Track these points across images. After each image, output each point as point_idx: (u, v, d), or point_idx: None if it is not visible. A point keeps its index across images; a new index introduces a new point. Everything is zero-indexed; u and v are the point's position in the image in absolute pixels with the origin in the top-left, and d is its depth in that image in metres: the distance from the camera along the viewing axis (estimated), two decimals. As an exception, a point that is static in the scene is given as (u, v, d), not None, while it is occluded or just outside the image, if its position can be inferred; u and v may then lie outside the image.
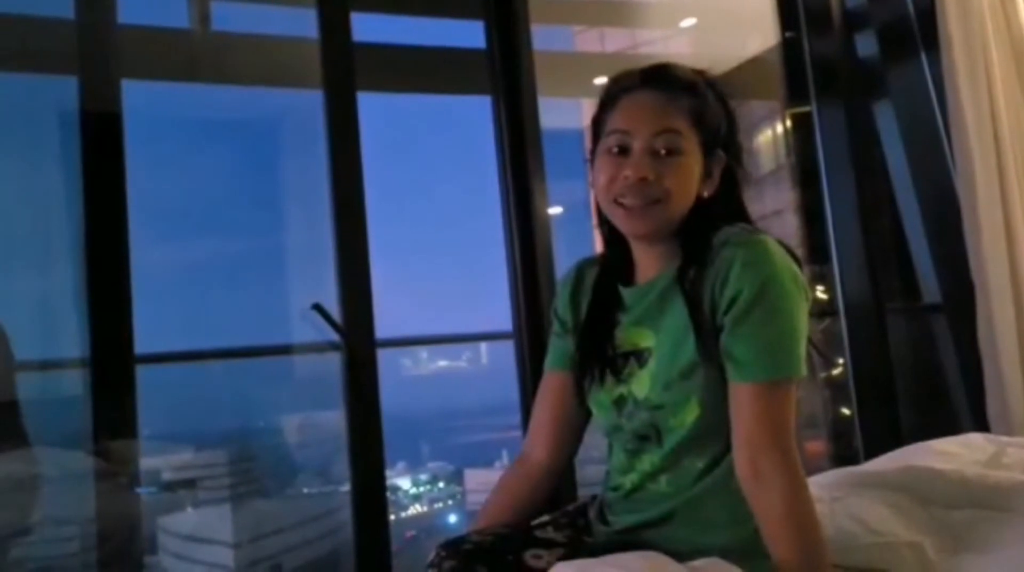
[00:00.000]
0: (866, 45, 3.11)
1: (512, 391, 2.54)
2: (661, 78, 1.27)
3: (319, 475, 3.07)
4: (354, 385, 2.30)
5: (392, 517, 2.43)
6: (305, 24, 2.42)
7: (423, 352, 3.97)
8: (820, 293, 3.09)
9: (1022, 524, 1.46)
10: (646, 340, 1.28)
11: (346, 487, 2.34)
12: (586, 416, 1.39)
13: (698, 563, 1.17)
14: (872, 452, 2.04)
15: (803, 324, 1.21)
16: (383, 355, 2.33)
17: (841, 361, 3.03)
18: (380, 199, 2.42)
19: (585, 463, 2.25)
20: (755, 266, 1.19)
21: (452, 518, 4.59)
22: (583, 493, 2.30)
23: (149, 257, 2.29)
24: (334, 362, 2.34)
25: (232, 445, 2.83)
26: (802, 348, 1.20)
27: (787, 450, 1.16)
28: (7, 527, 2.07)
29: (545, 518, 1.38)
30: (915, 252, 3.08)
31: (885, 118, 3.11)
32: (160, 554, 2.72)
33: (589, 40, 3.86)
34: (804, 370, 1.20)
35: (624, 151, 1.26)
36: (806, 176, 3.23)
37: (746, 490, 1.18)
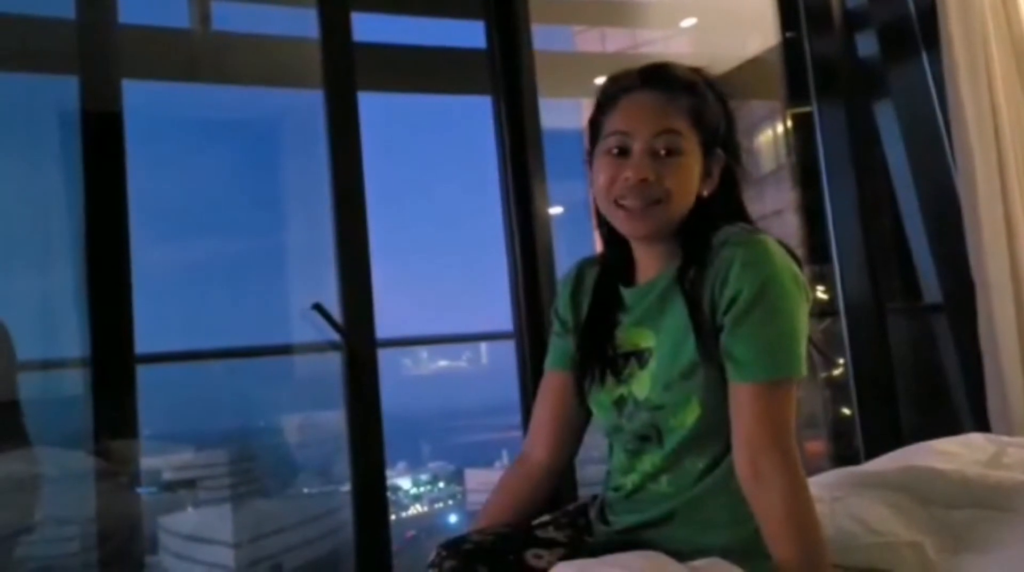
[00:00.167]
0: (867, 45, 3.11)
1: (512, 391, 2.54)
2: (660, 78, 1.27)
3: (319, 475, 3.07)
4: (354, 385, 2.30)
5: (392, 517, 2.43)
6: (306, 24, 2.42)
7: (423, 352, 3.98)
8: (821, 293, 3.09)
9: (1023, 524, 1.46)
10: (646, 340, 1.28)
11: (346, 487, 2.34)
12: (587, 416, 1.39)
13: (699, 563, 1.17)
14: (872, 452, 2.04)
15: (803, 324, 1.21)
16: (383, 355, 2.33)
17: (841, 361, 3.03)
18: (380, 199, 2.42)
19: (585, 463, 2.25)
20: (755, 266, 1.19)
21: (452, 518, 4.59)
22: (583, 493, 2.31)
23: (150, 257, 2.29)
24: (334, 362, 2.34)
25: (233, 445, 2.83)
26: (802, 348, 1.20)
27: (787, 450, 1.16)
28: (10, 526, 2.07)
29: (546, 518, 1.38)
30: (916, 252, 3.08)
31: (886, 118, 3.11)
32: (161, 554, 2.72)
33: (589, 40, 3.86)
34: (804, 370, 1.20)
35: (624, 152, 1.25)
36: (807, 176, 3.22)
37: (746, 490, 1.18)
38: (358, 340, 2.30)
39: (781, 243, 1.24)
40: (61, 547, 2.23)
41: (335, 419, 2.38)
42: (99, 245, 2.18)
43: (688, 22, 3.58)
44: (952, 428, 2.29)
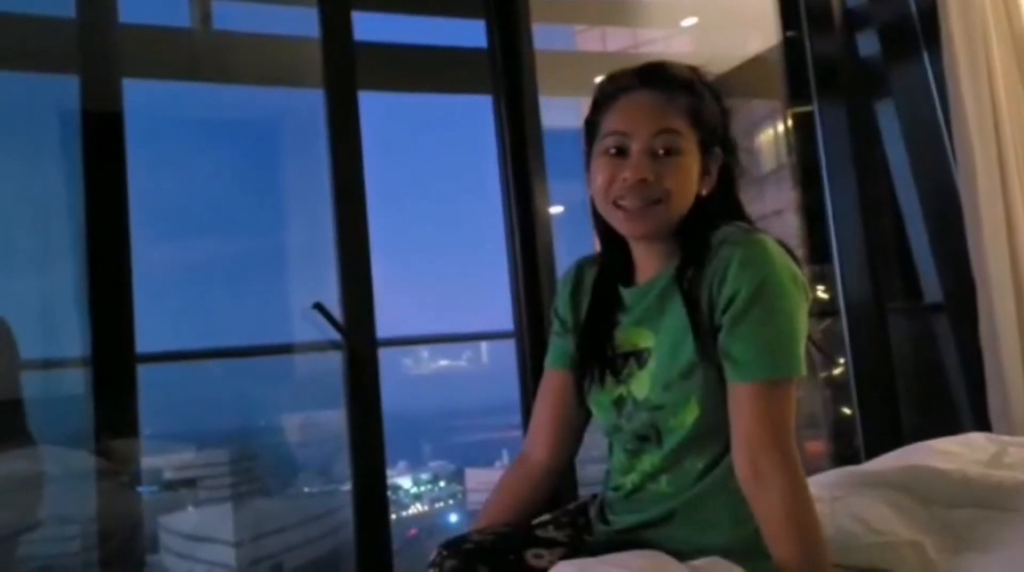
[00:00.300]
0: (867, 44, 3.11)
1: (513, 390, 2.54)
2: (658, 77, 1.26)
3: (320, 474, 3.07)
4: (355, 384, 2.30)
5: (393, 516, 2.43)
6: (306, 23, 2.42)
7: (424, 351, 3.98)
8: (821, 293, 3.09)
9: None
10: (646, 340, 1.28)
11: (347, 486, 2.34)
12: (587, 415, 1.39)
13: (699, 562, 1.17)
14: (873, 452, 2.04)
15: (802, 323, 1.20)
16: (384, 354, 2.34)
17: (842, 360, 3.03)
18: (381, 198, 2.42)
19: (585, 462, 2.25)
20: (753, 265, 1.18)
21: (453, 517, 4.59)
22: (584, 492, 2.30)
23: (150, 256, 2.29)
24: (335, 361, 2.34)
25: (233, 444, 2.83)
26: (801, 347, 1.20)
27: (787, 450, 1.16)
28: (14, 524, 2.08)
29: (546, 517, 1.38)
30: (916, 252, 3.08)
31: (886, 117, 3.11)
32: (162, 553, 2.72)
33: (590, 39, 3.86)
34: (804, 369, 1.20)
35: (622, 152, 1.25)
36: (807, 175, 3.22)
37: (746, 490, 1.18)
38: (359, 339, 2.30)
39: (780, 242, 1.24)
40: (62, 546, 2.23)
41: (336, 418, 2.38)
42: (100, 244, 2.18)
43: (689, 21, 3.58)
44: (953, 428, 2.29)
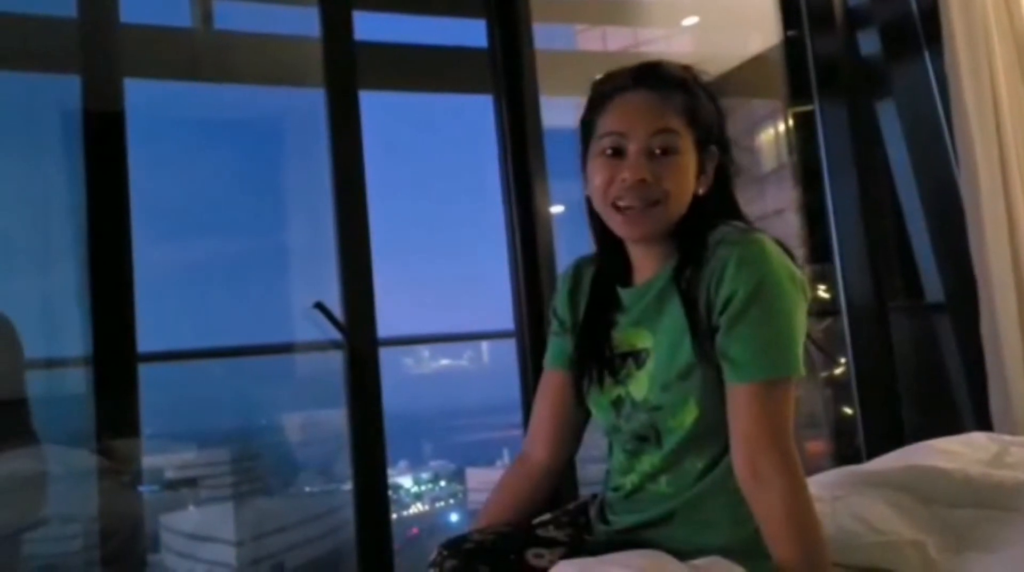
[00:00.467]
0: (869, 43, 3.11)
1: (513, 390, 2.54)
2: (653, 77, 1.26)
3: (321, 474, 3.07)
4: (356, 384, 2.31)
5: (394, 516, 2.43)
6: (307, 23, 2.42)
7: (425, 351, 3.97)
8: (822, 292, 3.09)
9: (1024, 523, 1.46)
10: (644, 341, 1.28)
11: (348, 486, 2.34)
12: (586, 415, 1.39)
13: (699, 562, 1.17)
14: (874, 451, 2.04)
15: (801, 323, 1.20)
16: (385, 354, 2.34)
17: (843, 360, 3.03)
18: (382, 198, 2.42)
19: (585, 462, 2.25)
20: (750, 265, 1.18)
21: (453, 517, 4.59)
22: (584, 492, 2.30)
23: (152, 256, 2.29)
24: (336, 361, 2.34)
25: (234, 444, 2.83)
26: (799, 347, 1.19)
27: (786, 451, 1.16)
28: (19, 523, 2.08)
29: (546, 517, 1.38)
30: (918, 251, 3.07)
31: (888, 116, 3.10)
32: (163, 552, 2.73)
33: (591, 39, 3.85)
34: (802, 369, 1.19)
35: (619, 153, 1.25)
36: (808, 175, 3.22)
37: (745, 491, 1.18)
38: (359, 339, 2.30)
39: (778, 241, 1.24)
40: (64, 545, 2.23)
41: (337, 418, 2.38)
42: (101, 244, 2.18)
43: (690, 21, 3.57)
44: (954, 427, 2.29)
